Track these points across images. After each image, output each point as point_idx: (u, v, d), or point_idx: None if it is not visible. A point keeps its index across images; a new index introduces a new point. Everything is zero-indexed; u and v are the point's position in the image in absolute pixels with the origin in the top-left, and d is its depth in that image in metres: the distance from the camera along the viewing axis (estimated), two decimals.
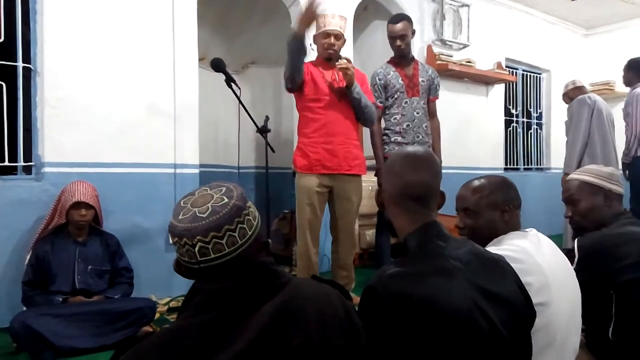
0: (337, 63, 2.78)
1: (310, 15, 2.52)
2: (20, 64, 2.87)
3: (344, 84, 2.81)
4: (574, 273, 1.38)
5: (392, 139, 3.23)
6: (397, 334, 0.93)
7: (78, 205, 2.56)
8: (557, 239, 4.38)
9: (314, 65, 2.92)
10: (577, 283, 1.35)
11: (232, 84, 2.88)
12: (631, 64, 4.27)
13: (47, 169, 2.86)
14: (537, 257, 1.25)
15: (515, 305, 1.06)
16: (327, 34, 2.85)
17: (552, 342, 1.20)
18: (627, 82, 4.28)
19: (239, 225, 0.91)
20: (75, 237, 2.63)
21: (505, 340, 1.00)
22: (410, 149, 1.24)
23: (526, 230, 1.37)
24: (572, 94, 4.10)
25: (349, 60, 2.81)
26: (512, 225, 1.38)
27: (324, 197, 2.92)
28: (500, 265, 1.12)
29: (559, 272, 1.28)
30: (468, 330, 0.95)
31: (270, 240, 1.02)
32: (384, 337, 0.94)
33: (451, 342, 0.94)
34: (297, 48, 2.65)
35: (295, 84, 2.79)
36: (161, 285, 3.17)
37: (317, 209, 2.88)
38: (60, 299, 2.49)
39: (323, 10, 2.75)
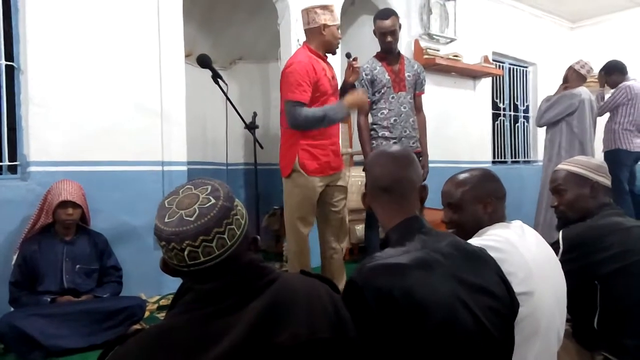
0: (351, 61, 2.84)
1: (364, 104, 2.80)
2: (2, 62, 2.83)
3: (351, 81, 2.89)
4: (559, 263, 1.39)
5: (380, 134, 3.23)
6: (378, 327, 0.94)
7: (65, 204, 2.54)
8: None
9: (315, 58, 2.71)
10: (562, 273, 1.36)
11: (219, 80, 2.86)
12: (614, 67, 4.33)
13: (32, 168, 2.82)
14: (520, 247, 1.25)
15: (497, 297, 1.07)
16: (337, 27, 2.79)
17: (537, 331, 1.21)
18: (614, 83, 4.33)
19: (228, 226, 0.89)
20: (63, 237, 2.61)
21: (488, 331, 1.01)
22: (386, 147, 1.28)
23: (511, 221, 1.38)
24: (572, 76, 4.09)
25: (355, 59, 2.87)
26: (497, 216, 1.39)
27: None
28: (481, 257, 1.14)
29: (544, 262, 1.29)
30: (450, 322, 0.96)
31: (258, 237, 1.02)
32: (366, 330, 0.95)
33: (433, 334, 0.95)
34: (339, 120, 2.73)
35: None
36: (150, 283, 3.16)
37: (316, 207, 2.79)
38: (49, 299, 2.47)
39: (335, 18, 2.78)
